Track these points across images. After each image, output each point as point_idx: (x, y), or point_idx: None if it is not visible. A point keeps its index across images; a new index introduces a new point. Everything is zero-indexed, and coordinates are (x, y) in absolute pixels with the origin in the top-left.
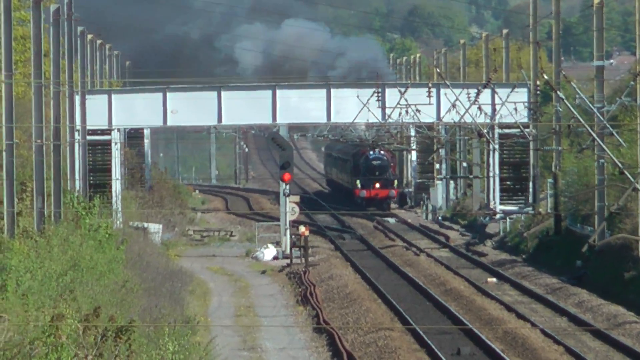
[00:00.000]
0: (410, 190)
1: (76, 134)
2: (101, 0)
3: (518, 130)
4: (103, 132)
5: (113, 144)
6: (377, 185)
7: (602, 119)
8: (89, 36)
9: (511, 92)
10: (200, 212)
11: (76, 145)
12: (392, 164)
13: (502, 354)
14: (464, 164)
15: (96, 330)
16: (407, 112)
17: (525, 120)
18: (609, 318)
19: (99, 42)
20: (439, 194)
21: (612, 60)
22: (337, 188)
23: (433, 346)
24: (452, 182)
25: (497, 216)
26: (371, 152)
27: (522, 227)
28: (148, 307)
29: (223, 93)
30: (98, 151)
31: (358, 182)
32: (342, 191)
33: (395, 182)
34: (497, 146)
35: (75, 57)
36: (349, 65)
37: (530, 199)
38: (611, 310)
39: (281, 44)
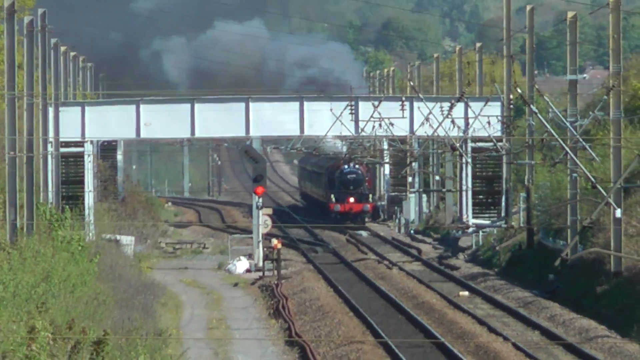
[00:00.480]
0: (383, 203)
1: (49, 146)
2: (75, 11)
3: (491, 143)
4: (76, 144)
5: (86, 156)
6: (352, 199)
7: (575, 133)
8: (63, 48)
9: (484, 105)
10: (173, 226)
11: (49, 157)
12: (367, 178)
13: None
14: (437, 178)
15: (69, 342)
16: (380, 125)
17: (499, 133)
18: (581, 332)
19: (72, 54)
20: (412, 208)
21: (585, 75)
22: (312, 202)
23: None
24: (424, 195)
25: (470, 230)
26: (346, 166)
27: (495, 240)
28: (120, 320)
29: (196, 105)
30: (71, 163)
31: (332, 196)
32: (316, 205)
33: (370, 196)
34: (470, 160)
35: (49, 69)
36: (321, 75)
37: (503, 213)
38: (583, 324)
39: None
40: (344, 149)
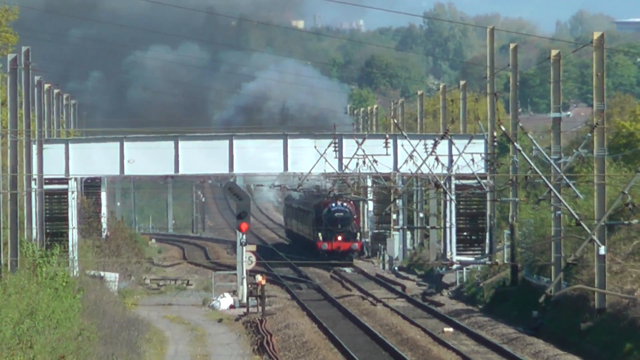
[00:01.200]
0: (367, 240)
1: (33, 183)
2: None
3: (475, 181)
4: (60, 181)
5: (70, 193)
6: (340, 237)
7: (558, 170)
8: (46, 85)
9: (468, 143)
10: (160, 266)
11: (33, 194)
12: (355, 216)
13: None
14: (421, 215)
15: None
16: (364, 162)
17: (483, 171)
18: None
19: (56, 91)
20: (396, 244)
21: (569, 112)
22: (298, 240)
23: None
24: (409, 232)
25: (454, 266)
26: (333, 204)
27: (479, 277)
28: (105, 356)
29: (180, 143)
30: (55, 200)
31: (320, 234)
32: (303, 243)
33: (358, 234)
34: (454, 197)
35: (33, 106)
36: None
37: (487, 250)
38: None
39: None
40: (328, 186)
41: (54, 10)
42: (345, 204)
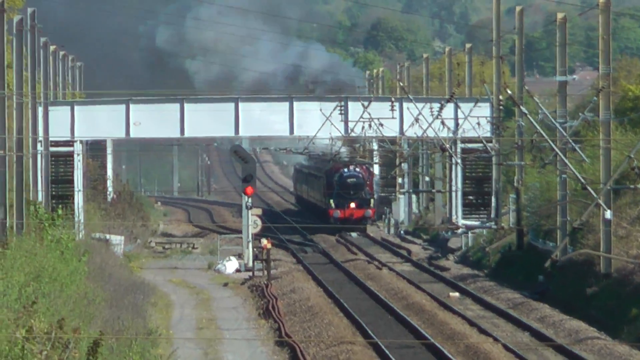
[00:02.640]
0: None
1: (39, 145)
2: (64, 9)
3: (481, 144)
4: (66, 143)
5: (75, 156)
6: (353, 204)
7: (564, 134)
8: (52, 47)
9: (474, 106)
10: (161, 223)
11: (39, 156)
12: (368, 182)
13: None
14: (427, 178)
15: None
16: (370, 126)
17: (488, 134)
18: (571, 333)
19: (62, 53)
20: (402, 208)
21: (574, 76)
22: (308, 207)
23: None
24: (414, 196)
25: (460, 230)
26: (345, 169)
27: (485, 241)
28: (110, 319)
29: (186, 105)
30: (60, 163)
31: (332, 201)
32: (313, 210)
33: (372, 201)
34: (459, 161)
35: (39, 68)
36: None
37: (493, 214)
38: (573, 325)
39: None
40: (334, 150)
41: None
42: (358, 169)
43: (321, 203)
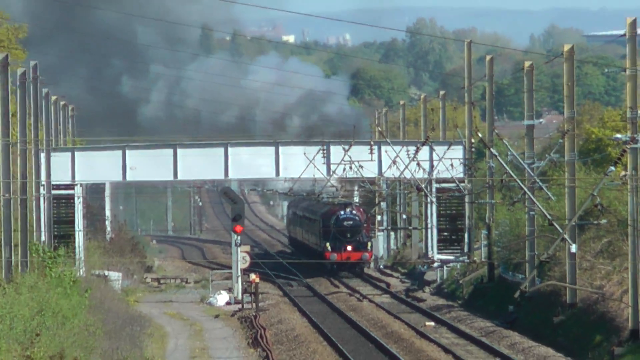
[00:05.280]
0: None
1: (41, 188)
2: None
3: (454, 184)
4: (66, 186)
5: (76, 198)
6: (349, 247)
7: (532, 174)
8: (53, 97)
9: (448, 149)
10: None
11: (41, 199)
12: (365, 224)
13: None
14: (404, 216)
15: None
16: (350, 167)
17: (461, 175)
18: (539, 359)
19: (62, 103)
20: (381, 244)
21: (541, 120)
22: (303, 249)
23: None
24: (392, 232)
25: (435, 264)
26: (342, 212)
27: (458, 274)
28: (109, 350)
29: (178, 150)
30: (62, 205)
31: (328, 244)
32: (308, 253)
33: (369, 244)
34: (434, 199)
35: (41, 117)
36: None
37: (466, 249)
38: (541, 351)
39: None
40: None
41: (62, 26)
42: (354, 212)
43: (317, 246)
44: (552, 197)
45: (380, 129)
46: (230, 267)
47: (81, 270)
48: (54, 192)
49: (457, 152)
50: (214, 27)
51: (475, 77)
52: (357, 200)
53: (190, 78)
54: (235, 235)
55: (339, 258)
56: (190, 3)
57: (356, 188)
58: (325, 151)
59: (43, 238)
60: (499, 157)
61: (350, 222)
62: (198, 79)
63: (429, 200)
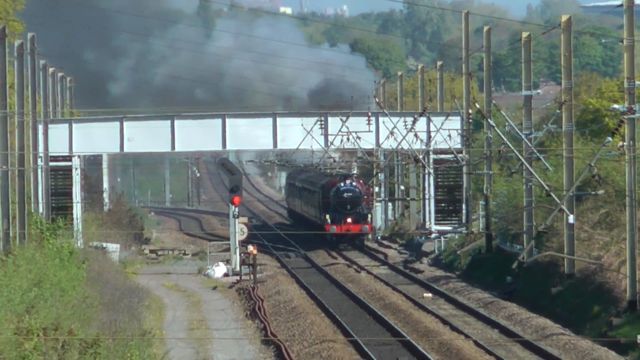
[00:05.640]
0: None
1: (39, 160)
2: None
3: (452, 155)
4: (64, 158)
5: (74, 170)
6: (349, 220)
7: (529, 144)
8: (51, 69)
9: (445, 120)
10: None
11: (39, 171)
12: (365, 196)
13: None
14: (402, 187)
15: (57, 342)
16: (348, 139)
17: (459, 146)
18: (537, 330)
19: (60, 74)
20: (379, 215)
21: (539, 90)
22: (302, 221)
23: (373, 357)
24: (390, 204)
25: (433, 235)
26: (342, 184)
27: (456, 245)
28: (107, 321)
29: (176, 122)
30: (60, 176)
31: (327, 216)
32: (308, 225)
33: (369, 216)
34: (432, 170)
35: (38, 88)
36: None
37: (464, 220)
38: (539, 322)
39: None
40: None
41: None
42: (354, 183)
43: (316, 218)
44: (550, 167)
45: (378, 100)
46: (228, 239)
47: (79, 242)
48: (51, 163)
49: (455, 123)
50: None
51: (472, 48)
52: (355, 172)
53: (190, 50)
54: (233, 207)
55: (338, 230)
56: None
57: (354, 159)
58: (323, 122)
59: (41, 210)
60: (496, 128)
61: (350, 194)
62: (197, 50)
63: (426, 171)
